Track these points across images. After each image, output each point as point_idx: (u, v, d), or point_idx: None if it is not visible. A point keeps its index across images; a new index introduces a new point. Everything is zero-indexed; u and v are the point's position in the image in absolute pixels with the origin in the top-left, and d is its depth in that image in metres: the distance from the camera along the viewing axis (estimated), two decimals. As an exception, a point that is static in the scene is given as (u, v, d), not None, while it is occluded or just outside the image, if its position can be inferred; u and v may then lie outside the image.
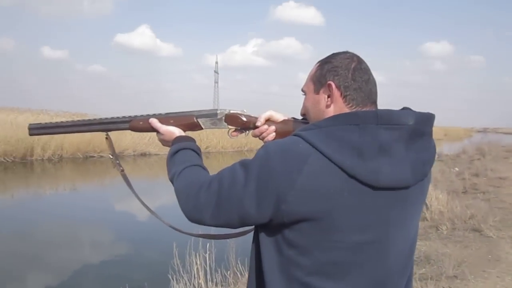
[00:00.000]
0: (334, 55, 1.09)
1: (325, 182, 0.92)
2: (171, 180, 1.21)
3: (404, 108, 1.03)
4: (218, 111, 1.40)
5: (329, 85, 1.06)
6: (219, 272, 4.24)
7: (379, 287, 0.99)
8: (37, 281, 5.37)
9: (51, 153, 17.08)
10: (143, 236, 7.38)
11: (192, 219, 1.10)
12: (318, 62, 1.11)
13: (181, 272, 4.05)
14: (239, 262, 4.67)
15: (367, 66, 1.08)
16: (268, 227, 1.00)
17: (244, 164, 1.02)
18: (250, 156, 1.05)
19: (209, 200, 1.04)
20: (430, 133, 1.03)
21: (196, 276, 3.97)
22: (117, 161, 1.52)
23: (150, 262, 5.91)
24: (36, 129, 1.53)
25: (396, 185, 0.96)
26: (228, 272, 4.42)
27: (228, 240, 4.62)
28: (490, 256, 4.91)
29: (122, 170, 1.53)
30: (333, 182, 0.92)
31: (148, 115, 1.42)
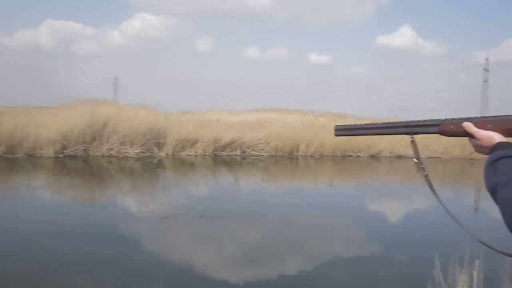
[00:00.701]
0: None
1: None
2: (491, 190, 1.09)
3: None
4: None
5: None
6: (487, 294, 3.76)
7: None
8: (292, 265, 5.87)
9: (313, 150, 18.70)
10: (401, 240, 7.23)
11: None
12: None
13: (442, 285, 3.75)
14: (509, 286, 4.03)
15: None
16: None
17: None
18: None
19: None
20: None
21: (460, 293, 3.61)
22: (422, 165, 1.46)
23: (407, 268, 5.72)
24: (341, 130, 1.58)
25: None
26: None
27: (501, 260, 4.05)
28: None
29: (427, 175, 1.46)
30: None
31: (460, 118, 1.33)
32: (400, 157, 19.33)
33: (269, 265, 5.88)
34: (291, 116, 23.10)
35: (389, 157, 19.45)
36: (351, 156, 19.04)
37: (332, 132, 1.58)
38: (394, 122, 1.47)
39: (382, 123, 1.50)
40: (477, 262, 3.65)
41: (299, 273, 5.54)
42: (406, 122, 1.44)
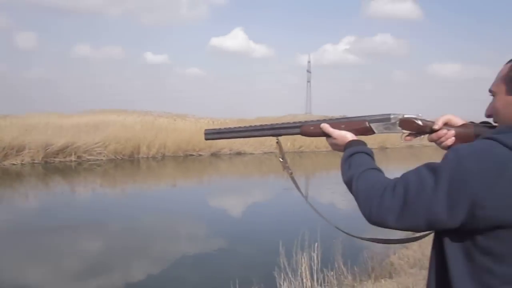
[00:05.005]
0: None
1: None
2: (347, 183, 1.21)
3: None
4: (392, 116, 1.38)
5: None
6: (324, 272, 4.20)
7: None
8: (141, 271, 5.73)
9: (155, 151, 18.34)
10: (247, 233, 7.59)
11: (373, 221, 1.08)
12: (510, 61, 1.05)
13: (287, 270, 4.06)
14: (342, 263, 4.59)
15: None
16: (456, 233, 0.96)
17: (431, 167, 0.98)
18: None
19: (394, 203, 1.01)
20: None
21: (303, 275, 3.95)
22: (287, 164, 1.56)
23: (255, 259, 6.03)
24: (211, 134, 1.62)
25: None
26: (332, 272, 4.36)
27: (334, 241, 4.57)
28: None
29: (291, 173, 1.57)
30: None
31: (318, 120, 1.46)
32: (239, 153, 20.31)
33: (115, 274, 5.59)
34: (130, 117, 22.27)
35: (229, 154, 20.25)
36: (193, 155, 19.26)
37: (202, 135, 1.60)
38: (261, 125, 1.55)
39: (250, 126, 1.57)
40: (316, 245, 4.06)
41: (148, 277, 5.41)
42: (272, 124, 1.53)
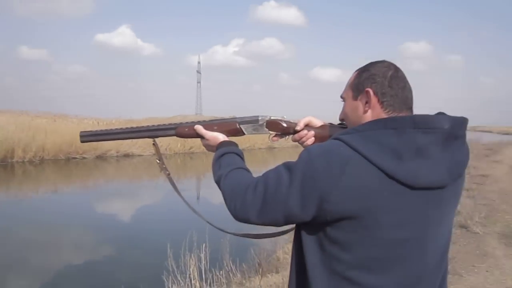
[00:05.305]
0: (372, 64, 1.15)
1: (366, 183, 0.97)
2: (217, 182, 1.27)
3: (439, 113, 1.08)
4: (260, 118, 1.46)
5: (367, 92, 1.11)
6: (213, 272, 4.25)
7: (417, 281, 1.04)
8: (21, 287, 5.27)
9: (32, 155, 16.77)
10: (135, 238, 7.34)
11: (238, 218, 1.14)
12: (357, 70, 1.17)
13: (176, 272, 4.04)
14: (230, 262, 4.69)
15: (403, 74, 1.13)
16: (310, 225, 1.05)
17: (288, 166, 1.07)
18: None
19: (256, 201, 1.09)
20: (464, 136, 1.08)
21: (192, 276, 3.96)
22: (164, 165, 1.58)
23: (143, 264, 5.86)
24: (87, 136, 1.58)
25: (433, 185, 1.01)
26: (221, 272, 4.44)
27: (222, 240, 4.65)
28: (478, 252, 5.02)
29: (169, 174, 1.59)
30: (373, 183, 0.97)
31: (193, 122, 1.50)
32: (127, 155, 19.51)
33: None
34: (2, 117, 20.09)
35: (117, 156, 19.36)
36: (76, 158, 18.01)
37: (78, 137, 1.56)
38: (138, 127, 1.56)
39: (127, 128, 1.57)
40: (204, 245, 4.09)
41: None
42: (148, 126, 1.55)
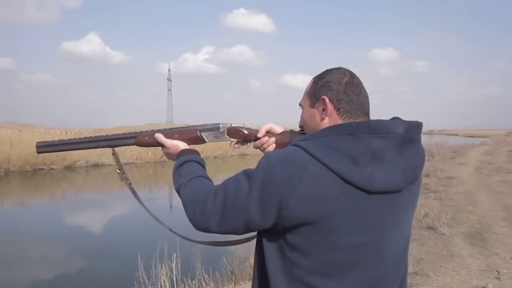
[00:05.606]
0: (328, 71, 1.16)
1: (323, 188, 0.98)
2: (177, 191, 1.25)
3: (394, 118, 1.11)
4: (221, 125, 1.45)
5: (323, 99, 1.12)
6: (185, 282, 4.21)
7: (376, 284, 1.05)
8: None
9: (-4, 167, 16.23)
10: (105, 250, 7.18)
11: (198, 227, 1.14)
12: (313, 78, 1.19)
13: (147, 284, 3.98)
14: (203, 271, 4.65)
15: (359, 80, 1.15)
16: (271, 232, 1.05)
17: (247, 173, 1.07)
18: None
19: (215, 209, 1.09)
20: (419, 140, 1.11)
21: (163, 287, 3.90)
22: (125, 175, 1.55)
23: (114, 275, 5.74)
24: (44, 147, 1.53)
25: (389, 189, 1.03)
26: (194, 281, 4.39)
27: (194, 249, 4.61)
28: (445, 252, 5.15)
29: (130, 184, 1.56)
30: (330, 188, 0.98)
31: (153, 130, 1.47)
32: (97, 165, 19.13)
33: None
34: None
35: (86, 166, 18.94)
36: (44, 169, 17.53)
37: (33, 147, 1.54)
38: (96, 136, 1.53)
39: (85, 138, 1.54)
40: (175, 255, 4.05)
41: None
42: (107, 135, 1.51)
